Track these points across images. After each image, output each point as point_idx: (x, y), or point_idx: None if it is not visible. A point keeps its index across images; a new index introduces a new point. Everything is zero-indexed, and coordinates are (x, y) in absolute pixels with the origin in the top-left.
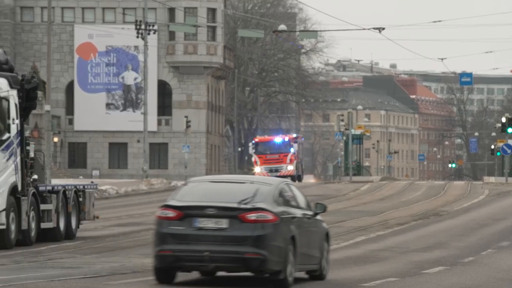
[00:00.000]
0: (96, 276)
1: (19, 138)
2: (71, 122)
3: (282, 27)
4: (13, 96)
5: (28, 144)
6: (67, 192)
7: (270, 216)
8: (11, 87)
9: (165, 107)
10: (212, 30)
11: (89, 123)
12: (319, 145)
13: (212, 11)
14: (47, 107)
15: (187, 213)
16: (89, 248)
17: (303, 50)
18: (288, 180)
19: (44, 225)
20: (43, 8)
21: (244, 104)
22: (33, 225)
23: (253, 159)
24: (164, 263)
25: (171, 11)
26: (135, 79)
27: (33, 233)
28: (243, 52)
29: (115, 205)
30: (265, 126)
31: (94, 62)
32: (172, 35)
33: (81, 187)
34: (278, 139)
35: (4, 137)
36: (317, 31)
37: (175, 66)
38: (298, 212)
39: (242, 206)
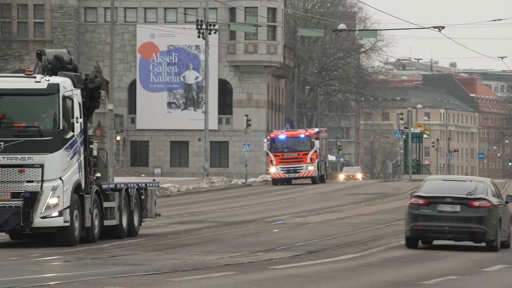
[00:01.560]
0: (157, 273)
1: (82, 136)
2: (133, 120)
3: (342, 26)
4: (77, 95)
5: (91, 143)
6: (129, 190)
7: (487, 204)
8: (75, 86)
9: (225, 105)
10: (272, 29)
11: (151, 122)
12: (378, 144)
13: (272, 11)
14: (110, 106)
15: (431, 201)
16: (151, 245)
17: (362, 49)
18: (490, 178)
19: (107, 223)
20: (106, 9)
21: (304, 103)
22: (96, 222)
23: (268, 158)
24: (415, 234)
25: (232, 10)
26: (196, 78)
27: (96, 230)
28: (303, 51)
29: (176, 203)
30: (325, 124)
31: (156, 62)
32: (232, 35)
33: (143, 185)
34: (297, 134)
35: (68, 136)
36: (376, 30)
37: (235, 65)
38: (498, 201)
39: (469, 196)
